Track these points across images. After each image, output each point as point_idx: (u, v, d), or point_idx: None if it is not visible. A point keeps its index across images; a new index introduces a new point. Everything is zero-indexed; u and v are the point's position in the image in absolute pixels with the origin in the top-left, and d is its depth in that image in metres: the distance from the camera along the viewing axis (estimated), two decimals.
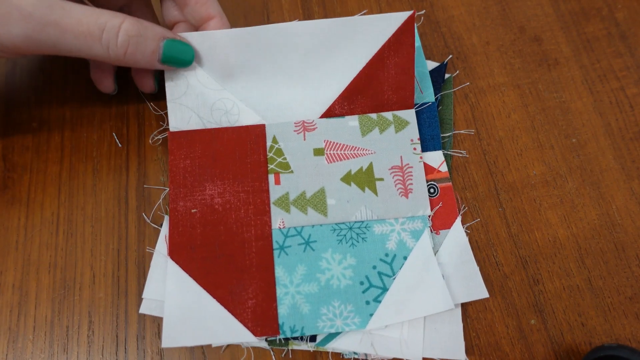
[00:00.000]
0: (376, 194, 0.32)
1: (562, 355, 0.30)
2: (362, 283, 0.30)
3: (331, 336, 0.30)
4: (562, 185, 0.34)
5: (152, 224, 0.33)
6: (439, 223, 0.32)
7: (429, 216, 0.32)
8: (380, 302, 0.30)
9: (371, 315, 0.30)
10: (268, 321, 0.29)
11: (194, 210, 0.31)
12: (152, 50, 0.30)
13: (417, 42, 0.37)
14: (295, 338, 0.30)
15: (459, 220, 0.32)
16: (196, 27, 0.34)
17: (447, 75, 0.37)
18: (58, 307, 0.31)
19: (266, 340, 0.30)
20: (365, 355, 0.30)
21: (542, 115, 0.36)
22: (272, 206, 0.32)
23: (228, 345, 0.30)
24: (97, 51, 0.28)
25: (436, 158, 0.34)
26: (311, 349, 0.30)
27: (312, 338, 0.30)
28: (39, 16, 0.26)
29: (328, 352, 0.30)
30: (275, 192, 0.32)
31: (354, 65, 0.34)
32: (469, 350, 0.30)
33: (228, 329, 0.29)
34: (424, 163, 0.34)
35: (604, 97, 0.37)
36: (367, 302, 0.30)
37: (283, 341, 0.30)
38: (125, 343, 0.30)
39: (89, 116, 0.36)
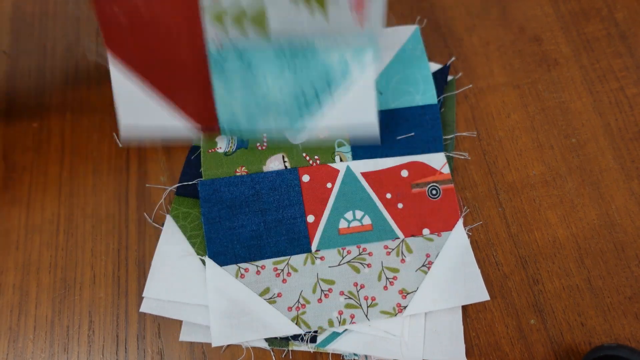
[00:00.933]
0: (327, 16, 0.28)
1: (562, 355, 0.30)
2: (297, 98, 0.30)
3: (332, 337, 0.30)
4: (561, 185, 0.34)
5: (154, 224, 0.33)
6: (441, 225, 0.32)
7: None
8: (313, 115, 0.30)
9: (302, 124, 0.30)
10: (208, 116, 0.30)
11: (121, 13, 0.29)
12: None
13: (421, 46, 0.37)
14: (295, 338, 0.30)
15: (460, 222, 0.32)
16: None
17: (449, 77, 0.37)
18: (58, 306, 0.31)
19: (266, 340, 0.30)
20: (366, 357, 0.30)
21: (541, 115, 0.36)
22: (207, 22, 0.29)
23: (228, 346, 0.30)
24: None
25: (438, 160, 0.34)
26: (311, 350, 0.30)
27: (313, 339, 0.30)
28: None
29: (328, 354, 0.30)
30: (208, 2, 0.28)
31: None
32: (468, 351, 0.30)
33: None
34: (426, 164, 0.34)
35: (603, 97, 0.37)
36: (301, 116, 0.30)
37: (283, 342, 0.30)
38: (126, 343, 0.30)
39: (89, 116, 0.36)
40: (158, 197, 0.34)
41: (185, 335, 0.30)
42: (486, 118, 0.36)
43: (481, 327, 0.31)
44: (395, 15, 0.39)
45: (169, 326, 0.31)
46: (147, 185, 0.34)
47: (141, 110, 0.30)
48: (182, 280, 0.31)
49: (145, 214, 0.33)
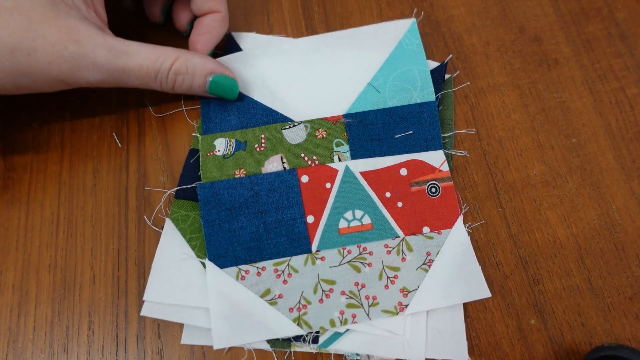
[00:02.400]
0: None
1: (562, 355, 0.30)
2: None
3: (334, 337, 0.30)
4: (562, 185, 0.34)
5: (153, 227, 0.33)
6: (440, 223, 0.32)
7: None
8: None
9: None
10: None
11: None
12: (199, 85, 0.33)
13: (418, 40, 0.37)
14: (297, 339, 0.30)
15: (460, 219, 0.32)
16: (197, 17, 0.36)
17: (447, 76, 0.37)
18: (58, 307, 0.31)
19: (267, 341, 0.30)
20: (368, 356, 0.30)
21: (542, 115, 0.36)
22: None
23: (230, 347, 0.30)
24: (152, 86, 0.32)
25: (437, 158, 0.34)
26: (313, 351, 0.30)
27: (315, 340, 0.30)
28: (109, 66, 0.30)
29: (330, 354, 0.30)
30: None
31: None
32: (469, 351, 0.30)
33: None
34: (425, 162, 0.34)
35: (604, 97, 0.37)
36: None
37: (285, 343, 0.30)
38: (125, 343, 0.30)
39: (89, 116, 0.36)
40: (158, 197, 0.34)
41: (187, 339, 0.30)
42: (486, 118, 0.36)
43: (481, 327, 0.31)
44: (395, 14, 0.39)
45: (169, 326, 0.31)
46: (146, 188, 0.34)
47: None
48: (182, 283, 0.31)
49: (145, 217, 0.33)
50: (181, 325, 0.31)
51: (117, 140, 0.35)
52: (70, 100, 0.36)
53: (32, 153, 0.35)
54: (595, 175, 0.34)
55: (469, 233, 0.32)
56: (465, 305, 0.31)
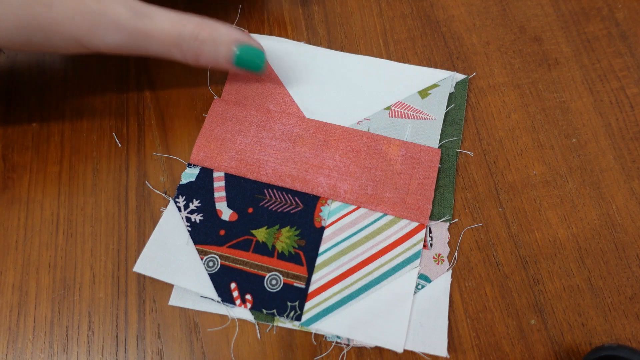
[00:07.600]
0: None
1: (562, 355, 0.30)
2: None
3: (317, 317, 0.30)
4: (562, 185, 0.34)
5: (156, 190, 0.33)
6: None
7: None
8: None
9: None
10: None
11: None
12: (224, 55, 0.31)
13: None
14: (281, 315, 0.30)
15: (449, 274, 0.32)
16: None
17: (463, 76, 0.37)
18: (58, 307, 0.31)
19: (251, 311, 0.30)
20: (348, 340, 0.30)
21: (542, 115, 0.36)
22: None
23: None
24: (175, 54, 0.31)
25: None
26: (296, 328, 0.30)
27: (298, 317, 0.30)
28: (130, 28, 0.28)
29: (312, 333, 0.30)
30: None
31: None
32: (469, 351, 0.30)
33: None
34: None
35: (604, 97, 0.37)
36: None
37: (269, 317, 0.31)
38: (125, 343, 0.30)
39: (89, 116, 0.36)
40: (158, 197, 0.34)
41: (174, 300, 0.31)
42: (486, 118, 0.36)
43: (481, 327, 0.31)
44: (395, 14, 0.39)
45: (169, 327, 0.31)
46: (146, 183, 0.34)
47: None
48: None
49: (147, 182, 0.33)
50: (181, 325, 0.31)
51: (117, 140, 0.35)
52: (70, 100, 0.36)
53: (32, 153, 0.35)
54: (596, 175, 0.34)
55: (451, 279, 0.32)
56: (466, 304, 0.31)
